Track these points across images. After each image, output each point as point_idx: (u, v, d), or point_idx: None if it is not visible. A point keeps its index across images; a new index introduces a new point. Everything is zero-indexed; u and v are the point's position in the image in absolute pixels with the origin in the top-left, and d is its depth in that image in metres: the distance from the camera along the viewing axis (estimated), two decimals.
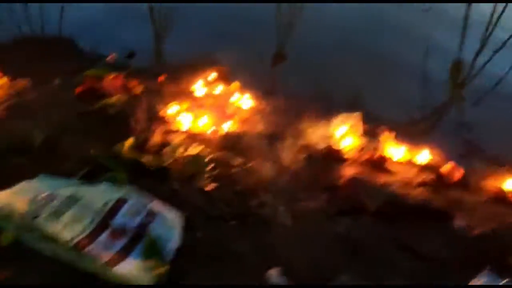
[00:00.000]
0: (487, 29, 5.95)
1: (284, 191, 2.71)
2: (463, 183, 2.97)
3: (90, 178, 2.51)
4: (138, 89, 3.47)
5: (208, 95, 3.62)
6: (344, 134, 3.12)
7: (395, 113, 3.93)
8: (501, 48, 5.50)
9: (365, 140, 3.13)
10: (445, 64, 5.18)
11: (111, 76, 3.46)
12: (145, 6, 5.77)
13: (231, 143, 3.03)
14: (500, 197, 2.89)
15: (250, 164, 2.84)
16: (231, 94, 3.71)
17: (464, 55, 5.40)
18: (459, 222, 2.62)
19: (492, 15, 6.16)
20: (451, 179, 2.94)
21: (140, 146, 2.80)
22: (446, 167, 2.98)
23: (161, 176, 2.60)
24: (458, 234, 2.56)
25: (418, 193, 2.81)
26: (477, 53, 5.43)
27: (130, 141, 2.76)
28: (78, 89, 3.38)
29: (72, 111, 3.17)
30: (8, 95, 3.34)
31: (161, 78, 3.79)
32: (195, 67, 4.16)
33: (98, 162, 2.62)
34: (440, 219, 2.64)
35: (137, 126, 3.06)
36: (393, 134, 3.20)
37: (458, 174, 2.96)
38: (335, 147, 3.04)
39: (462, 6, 6.38)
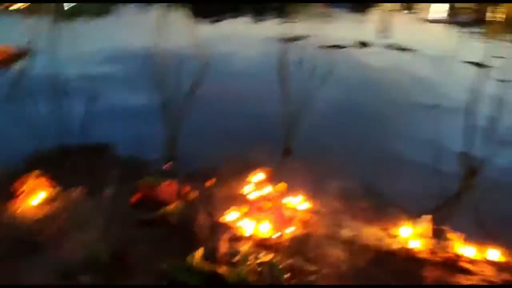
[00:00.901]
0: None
1: None
2: None
3: None
4: (192, 195, 3.44)
5: (261, 198, 3.58)
6: (413, 234, 3.05)
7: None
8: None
9: (434, 241, 3.06)
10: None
11: (166, 183, 3.45)
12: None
13: (299, 248, 2.94)
14: None
15: (324, 271, 2.73)
16: (281, 195, 3.68)
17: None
18: None
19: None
20: None
21: (211, 256, 2.70)
22: None
23: None
24: None
25: None
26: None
27: (200, 252, 2.67)
28: (134, 198, 3.35)
29: (131, 220, 3.11)
30: (63, 207, 3.30)
31: (210, 183, 3.77)
32: (234, 168, 4.17)
33: (172, 276, 2.53)
34: None
35: (200, 234, 2.99)
36: (460, 235, 3.13)
37: None
38: (408, 248, 2.95)
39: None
